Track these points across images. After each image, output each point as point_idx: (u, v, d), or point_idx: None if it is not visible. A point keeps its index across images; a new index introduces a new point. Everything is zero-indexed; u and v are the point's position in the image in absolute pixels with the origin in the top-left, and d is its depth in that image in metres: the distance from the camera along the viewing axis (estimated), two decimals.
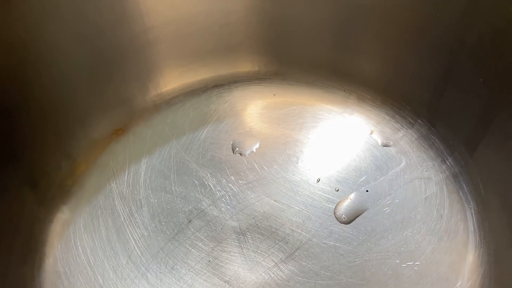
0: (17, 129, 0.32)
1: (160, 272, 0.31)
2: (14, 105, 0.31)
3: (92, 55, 0.36)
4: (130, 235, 0.33)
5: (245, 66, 0.42)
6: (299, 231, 0.33)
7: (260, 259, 0.32)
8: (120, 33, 0.36)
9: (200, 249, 0.32)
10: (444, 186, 0.34)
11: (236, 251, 0.32)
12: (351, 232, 0.32)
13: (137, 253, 0.32)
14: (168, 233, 0.33)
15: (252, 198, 0.34)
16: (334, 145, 0.37)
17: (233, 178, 0.36)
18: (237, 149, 0.37)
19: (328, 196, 0.34)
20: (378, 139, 0.38)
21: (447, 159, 0.36)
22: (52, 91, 0.34)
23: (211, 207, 0.34)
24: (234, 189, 0.35)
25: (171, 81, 0.41)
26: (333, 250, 0.32)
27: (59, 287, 0.31)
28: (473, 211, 0.33)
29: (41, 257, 0.31)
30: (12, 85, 0.31)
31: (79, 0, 0.33)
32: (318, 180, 0.35)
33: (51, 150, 0.34)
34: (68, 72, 0.35)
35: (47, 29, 0.33)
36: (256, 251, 0.32)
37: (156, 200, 0.35)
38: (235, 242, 0.32)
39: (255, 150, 0.37)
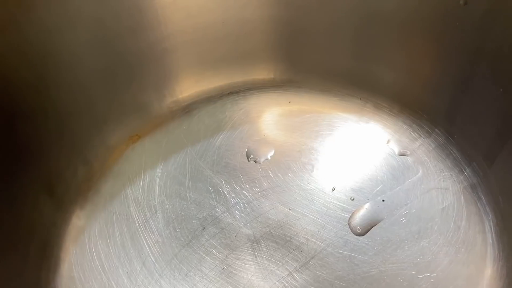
0: (35, 135, 0.32)
1: (174, 279, 0.31)
2: (32, 110, 0.32)
3: (110, 62, 0.36)
4: (144, 241, 0.33)
5: (261, 74, 0.42)
6: (314, 240, 0.32)
7: (274, 267, 0.31)
8: (138, 40, 0.37)
9: (214, 256, 0.32)
10: (462, 197, 0.34)
11: (250, 259, 0.32)
12: (367, 242, 0.32)
13: (151, 259, 0.32)
14: (182, 239, 0.33)
15: (267, 206, 0.34)
16: (350, 153, 0.37)
17: (247, 186, 0.36)
18: (251, 156, 0.37)
19: (343, 205, 0.34)
20: (395, 148, 0.37)
21: (465, 170, 0.35)
22: (70, 97, 0.35)
23: (225, 214, 0.34)
24: (249, 197, 0.35)
25: (187, 88, 0.41)
26: (348, 260, 0.31)
27: None
28: (491, 223, 0.32)
29: (57, 262, 0.32)
30: (31, 90, 0.31)
31: (99, 8, 0.34)
32: (333, 189, 0.35)
33: (68, 156, 0.35)
34: (86, 79, 0.35)
35: (66, 36, 0.33)
36: (270, 260, 0.32)
37: (170, 207, 0.35)
38: (249, 250, 0.32)
39: (269, 158, 0.37)
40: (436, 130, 0.37)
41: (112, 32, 0.35)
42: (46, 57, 0.32)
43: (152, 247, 0.33)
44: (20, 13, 0.30)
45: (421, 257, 0.31)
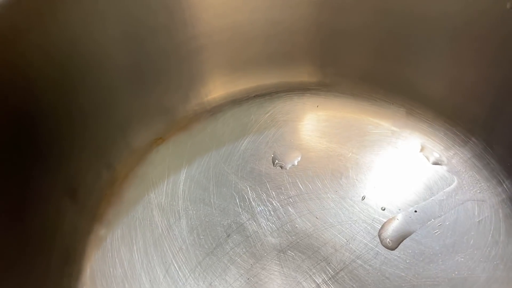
0: (58, 138, 0.31)
1: None
2: (56, 112, 0.31)
3: (136, 63, 0.36)
4: (167, 248, 0.32)
5: (288, 76, 0.41)
6: (343, 251, 0.31)
7: (301, 279, 0.30)
8: (165, 41, 0.36)
9: (239, 265, 0.31)
10: (500, 210, 0.32)
11: (276, 269, 0.31)
12: (398, 255, 0.31)
13: (175, 267, 0.31)
14: (206, 247, 0.32)
15: (293, 214, 0.33)
16: (381, 161, 0.36)
17: (273, 193, 0.34)
18: (277, 161, 0.36)
19: (373, 215, 0.33)
20: (428, 156, 0.36)
21: (504, 182, 0.34)
22: (95, 99, 0.34)
23: (251, 222, 0.33)
24: (275, 204, 0.34)
25: (212, 90, 0.40)
26: (378, 273, 0.30)
27: None
28: None
29: (79, 268, 0.31)
30: (56, 92, 0.31)
31: (125, 9, 0.33)
32: (363, 198, 0.34)
33: (91, 160, 0.34)
34: (111, 80, 0.35)
35: (92, 37, 0.33)
36: (297, 271, 0.31)
37: (194, 212, 0.34)
38: (275, 260, 0.31)
39: (296, 164, 0.36)
40: (472, 139, 0.36)
41: (139, 32, 0.35)
42: (72, 58, 0.32)
43: (176, 254, 0.32)
44: (48, 13, 0.29)
45: (456, 272, 0.30)
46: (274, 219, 0.33)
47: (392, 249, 0.31)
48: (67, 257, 0.31)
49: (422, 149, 0.36)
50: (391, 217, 0.33)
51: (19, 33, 0.28)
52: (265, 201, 0.34)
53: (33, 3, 0.29)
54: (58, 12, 0.29)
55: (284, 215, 0.33)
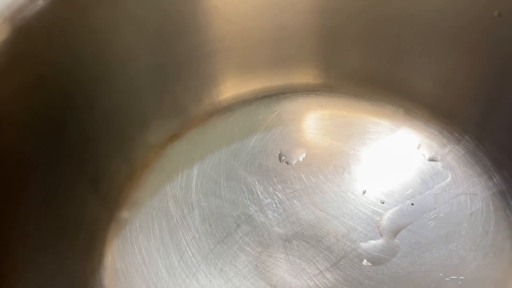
0: (84, 135, 0.34)
1: (210, 273, 0.33)
2: (82, 111, 0.34)
3: (155, 64, 0.38)
4: (182, 237, 0.35)
5: (295, 78, 0.43)
6: (344, 241, 0.34)
7: (305, 266, 0.33)
8: (181, 45, 0.38)
9: (248, 253, 0.33)
10: (491, 203, 0.34)
11: (282, 257, 0.33)
12: (396, 244, 0.33)
13: (189, 254, 0.34)
14: (217, 236, 0.34)
15: (298, 206, 0.36)
16: (381, 157, 0.38)
17: (280, 187, 0.37)
18: (284, 158, 0.38)
19: (373, 207, 0.35)
20: (425, 153, 0.38)
21: (494, 176, 0.36)
22: (117, 100, 0.36)
23: (259, 213, 0.35)
24: (281, 197, 0.36)
25: (223, 91, 0.42)
26: (377, 261, 0.32)
27: (117, 282, 0.33)
28: None
29: (101, 253, 0.34)
30: (83, 92, 0.33)
31: (145, 15, 0.35)
32: (364, 192, 0.36)
33: (113, 155, 0.36)
34: (133, 82, 0.37)
35: (119, 41, 0.35)
36: (302, 258, 0.33)
37: (206, 204, 0.36)
38: (281, 248, 0.34)
39: (301, 160, 0.38)
40: (466, 136, 0.38)
41: (160, 37, 0.37)
42: (99, 60, 0.34)
43: (190, 242, 0.34)
44: (76, 17, 0.32)
45: (448, 260, 0.32)
46: (280, 211, 0.35)
47: (390, 239, 0.33)
48: (91, 243, 0.33)
49: (419, 147, 0.38)
50: (389, 210, 0.35)
51: (53, 34, 0.31)
52: (272, 194, 0.36)
53: (67, 7, 0.31)
54: (85, 20, 0.32)
55: (289, 207, 0.36)
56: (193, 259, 0.33)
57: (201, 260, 0.33)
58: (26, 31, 0.29)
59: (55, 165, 0.31)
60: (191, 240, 0.34)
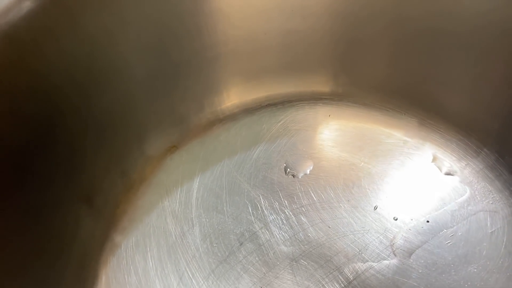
0: (76, 145, 0.32)
1: None
2: (74, 119, 0.32)
3: (152, 72, 0.36)
4: (181, 256, 0.32)
5: (301, 86, 0.41)
6: (355, 260, 0.31)
7: None
8: (181, 51, 0.36)
9: (252, 274, 0.31)
10: None
11: (288, 278, 0.31)
12: (411, 265, 0.31)
13: (188, 274, 0.31)
14: (219, 255, 0.32)
15: (306, 223, 0.33)
16: (393, 171, 0.36)
17: (286, 202, 0.35)
18: (289, 170, 0.36)
19: (386, 225, 0.33)
20: (440, 166, 0.36)
21: None
22: (112, 108, 0.34)
23: (263, 230, 0.33)
24: (287, 213, 0.34)
25: (226, 99, 0.40)
26: (391, 283, 0.30)
27: None
28: None
29: (94, 274, 0.31)
30: (75, 100, 0.31)
31: (144, 21, 0.34)
32: (376, 208, 0.34)
33: (107, 167, 0.34)
34: (129, 90, 0.35)
35: (113, 47, 0.33)
36: (310, 280, 0.31)
37: (207, 220, 0.34)
38: (287, 268, 0.31)
39: (308, 173, 0.36)
40: (484, 149, 0.36)
41: (158, 43, 0.35)
42: (92, 67, 0.32)
43: (189, 262, 0.32)
44: (71, 20, 0.30)
45: (469, 283, 0.30)
46: (287, 228, 0.33)
47: (405, 259, 0.31)
48: (83, 262, 0.31)
49: (434, 160, 0.37)
50: (403, 227, 0.33)
51: (41, 40, 0.29)
52: (278, 210, 0.34)
53: (57, 10, 0.29)
54: (75, 27, 0.30)
55: (296, 224, 0.34)
56: (193, 280, 0.31)
57: (201, 282, 0.31)
58: (11, 36, 0.27)
59: (45, 178, 0.29)
60: (191, 259, 0.32)
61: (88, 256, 0.32)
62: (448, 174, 0.36)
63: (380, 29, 0.37)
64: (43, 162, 0.29)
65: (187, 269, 0.32)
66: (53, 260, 0.29)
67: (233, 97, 0.40)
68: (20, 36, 0.27)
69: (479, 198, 0.34)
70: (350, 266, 0.31)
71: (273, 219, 0.34)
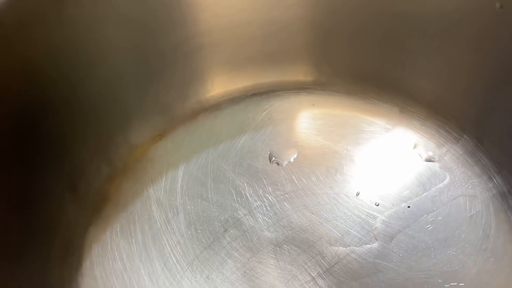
0: (59, 133, 0.32)
1: (196, 281, 0.31)
2: (57, 107, 0.32)
3: (136, 61, 0.36)
4: (166, 242, 0.33)
5: (285, 75, 0.41)
6: (337, 245, 0.32)
7: (296, 272, 0.31)
8: (165, 40, 0.37)
9: (236, 259, 0.32)
10: (491, 205, 0.33)
11: (272, 263, 0.31)
12: (392, 249, 0.31)
13: (173, 260, 0.32)
14: (203, 241, 0.33)
15: (289, 209, 0.34)
16: (375, 158, 0.37)
17: (270, 189, 0.35)
18: (274, 158, 0.37)
19: (367, 210, 0.34)
20: (421, 153, 0.37)
21: (494, 177, 0.34)
22: (95, 95, 0.34)
23: (247, 217, 0.34)
24: (271, 200, 0.34)
25: (210, 88, 0.41)
26: (372, 267, 0.31)
27: None
28: None
29: (79, 260, 0.32)
30: (57, 87, 0.31)
31: (125, 10, 0.34)
32: (358, 194, 0.34)
33: (91, 155, 0.34)
34: (112, 79, 0.35)
35: (94, 37, 0.33)
36: (293, 264, 0.31)
37: (192, 207, 0.34)
38: (271, 253, 0.32)
39: (292, 161, 0.37)
40: (464, 136, 0.36)
41: (140, 32, 0.35)
42: (73, 57, 0.32)
43: (174, 248, 0.32)
44: (50, 13, 0.30)
45: (448, 265, 0.31)
46: (271, 214, 0.34)
47: (386, 243, 0.32)
48: (68, 249, 0.31)
49: (415, 146, 0.37)
50: (384, 212, 0.33)
51: (20, 31, 0.29)
52: (262, 197, 0.35)
53: (34, 3, 0.29)
54: (60, 12, 0.30)
55: (280, 210, 0.34)
56: (177, 265, 0.32)
57: (186, 267, 0.31)
58: None
59: (28, 164, 0.29)
60: (175, 245, 0.32)
61: (73, 242, 0.32)
62: (428, 160, 0.36)
63: (358, 19, 0.37)
64: (27, 148, 0.29)
65: (172, 255, 0.32)
66: (38, 246, 0.30)
67: (217, 86, 0.41)
68: (4, 22, 0.27)
69: (458, 184, 0.35)
70: (332, 251, 0.32)
71: (257, 206, 0.34)
